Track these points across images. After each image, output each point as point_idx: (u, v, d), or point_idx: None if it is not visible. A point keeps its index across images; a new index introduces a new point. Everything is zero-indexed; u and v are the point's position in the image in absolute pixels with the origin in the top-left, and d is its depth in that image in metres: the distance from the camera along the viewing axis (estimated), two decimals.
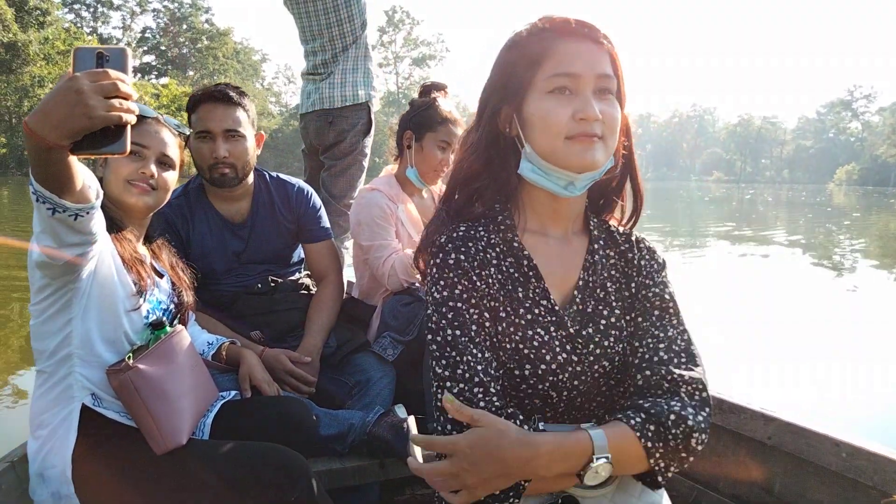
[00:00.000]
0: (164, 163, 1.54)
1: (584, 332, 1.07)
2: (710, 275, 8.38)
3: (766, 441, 1.70)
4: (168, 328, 1.51)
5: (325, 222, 2.24)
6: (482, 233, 1.09)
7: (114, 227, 1.46)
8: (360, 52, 3.25)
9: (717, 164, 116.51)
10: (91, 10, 65.86)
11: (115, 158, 1.47)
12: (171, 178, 1.57)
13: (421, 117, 2.25)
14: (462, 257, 1.04)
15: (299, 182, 2.24)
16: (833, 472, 1.55)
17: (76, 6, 63.93)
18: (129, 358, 1.38)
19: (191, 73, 65.18)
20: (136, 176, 1.49)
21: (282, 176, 2.21)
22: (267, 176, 2.17)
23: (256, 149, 2.05)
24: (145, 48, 68.35)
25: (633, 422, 0.94)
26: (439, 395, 0.99)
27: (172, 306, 1.59)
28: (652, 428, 0.94)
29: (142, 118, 1.49)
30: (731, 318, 5.69)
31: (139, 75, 64.02)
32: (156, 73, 67.40)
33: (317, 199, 2.24)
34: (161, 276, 1.59)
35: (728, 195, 44.44)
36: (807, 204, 31.89)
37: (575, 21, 1.03)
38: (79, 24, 60.06)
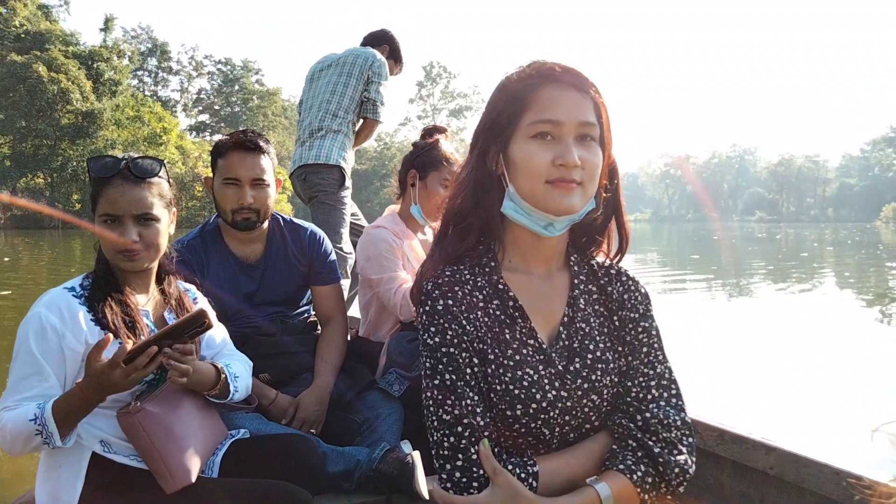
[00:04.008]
0: (146, 219, 1.48)
1: (571, 368, 1.08)
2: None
3: (769, 471, 1.67)
4: None
5: (335, 267, 2.31)
6: (467, 275, 1.11)
7: (112, 287, 1.48)
8: (343, 130, 3.61)
9: (759, 204, 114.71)
10: (152, 75, 71.10)
11: (99, 232, 1.49)
12: (156, 231, 1.51)
13: (425, 157, 2.36)
14: (450, 302, 1.06)
15: (312, 227, 2.31)
16: (835, 501, 1.52)
17: (139, 73, 69.08)
18: (136, 400, 1.42)
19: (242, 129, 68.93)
20: (119, 247, 1.46)
21: (295, 220, 2.29)
22: (281, 220, 2.24)
23: (276, 191, 2.14)
24: (200, 108, 73.23)
25: (634, 476, 1.00)
26: (445, 443, 1.02)
27: None
28: (650, 480, 1.01)
29: (104, 178, 1.47)
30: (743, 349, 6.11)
31: (194, 133, 68.59)
32: (210, 130, 71.76)
33: (328, 244, 2.30)
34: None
35: (744, 234, 43.53)
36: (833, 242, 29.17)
37: (561, 68, 1.05)
38: (141, 89, 64.91)
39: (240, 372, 1.66)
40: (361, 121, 3.78)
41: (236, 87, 71.67)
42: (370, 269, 2.27)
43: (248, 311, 2.13)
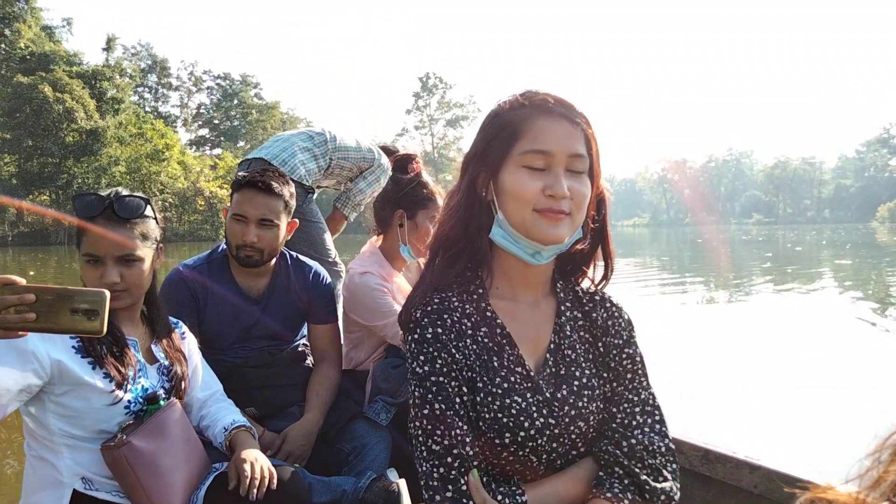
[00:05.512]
0: (128, 260, 1.47)
1: (558, 395, 1.09)
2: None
3: (753, 490, 1.67)
4: (162, 402, 1.51)
5: (335, 307, 2.32)
6: (456, 303, 1.11)
7: None
8: (320, 157, 3.24)
9: (756, 207, 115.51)
10: (153, 91, 71.86)
11: (82, 271, 1.48)
12: (138, 272, 1.50)
13: (412, 196, 2.26)
14: (440, 330, 1.07)
15: (317, 265, 2.32)
16: None
17: (139, 89, 69.76)
18: (121, 433, 1.40)
19: (241, 143, 69.47)
20: (102, 287, 1.41)
21: (301, 258, 2.31)
22: (288, 257, 2.26)
23: (287, 235, 2.14)
24: (200, 122, 73.97)
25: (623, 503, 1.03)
26: (435, 474, 1.01)
27: (162, 389, 1.57)
28: None
29: (91, 217, 1.47)
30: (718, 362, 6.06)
31: (194, 147, 69.48)
32: (209, 144, 72.35)
33: (331, 285, 2.32)
34: (156, 360, 1.59)
35: (733, 237, 44.14)
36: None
37: (554, 99, 1.06)
38: (142, 105, 65.55)
39: (242, 420, 1.76)
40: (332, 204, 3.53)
41: (235, 102, 72.37)
42: (369, 317, 2.22)
43: (242, 342, 2.15)
